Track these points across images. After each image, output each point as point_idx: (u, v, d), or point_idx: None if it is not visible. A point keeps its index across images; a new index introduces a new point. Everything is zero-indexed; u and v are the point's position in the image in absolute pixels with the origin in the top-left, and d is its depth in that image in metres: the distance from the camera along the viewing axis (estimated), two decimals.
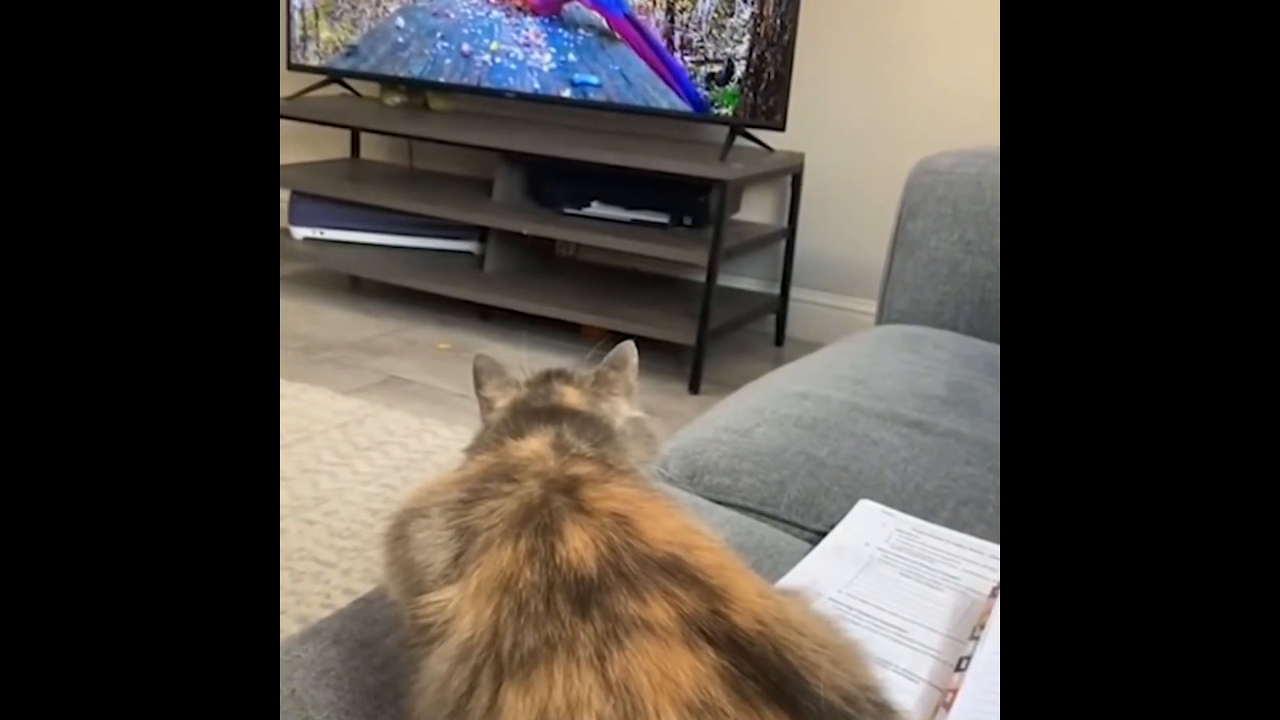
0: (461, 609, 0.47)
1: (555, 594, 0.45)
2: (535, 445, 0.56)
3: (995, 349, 1.25)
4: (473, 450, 0.60)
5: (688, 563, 0.46)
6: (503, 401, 0.65)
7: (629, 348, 0.69)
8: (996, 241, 1.34)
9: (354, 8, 2.77)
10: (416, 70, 2.72)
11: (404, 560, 0.53)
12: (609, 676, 0.42)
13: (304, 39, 2.85)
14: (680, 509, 0.52)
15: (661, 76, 2.43)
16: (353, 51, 2.80)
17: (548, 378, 0.66)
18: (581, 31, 2.52)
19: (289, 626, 1.34)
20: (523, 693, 0.43)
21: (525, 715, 0.42)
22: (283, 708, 0.58)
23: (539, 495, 0.50)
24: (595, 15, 2.48)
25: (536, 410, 0.62)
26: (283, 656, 0.62)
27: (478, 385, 0.67)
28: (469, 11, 2.63)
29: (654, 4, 2.41)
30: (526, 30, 2.58)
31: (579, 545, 0.46)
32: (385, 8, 2.73)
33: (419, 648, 0.49)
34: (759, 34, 2.32)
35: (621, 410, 0.66)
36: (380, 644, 0.63)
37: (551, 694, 0.42)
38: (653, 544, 0.47)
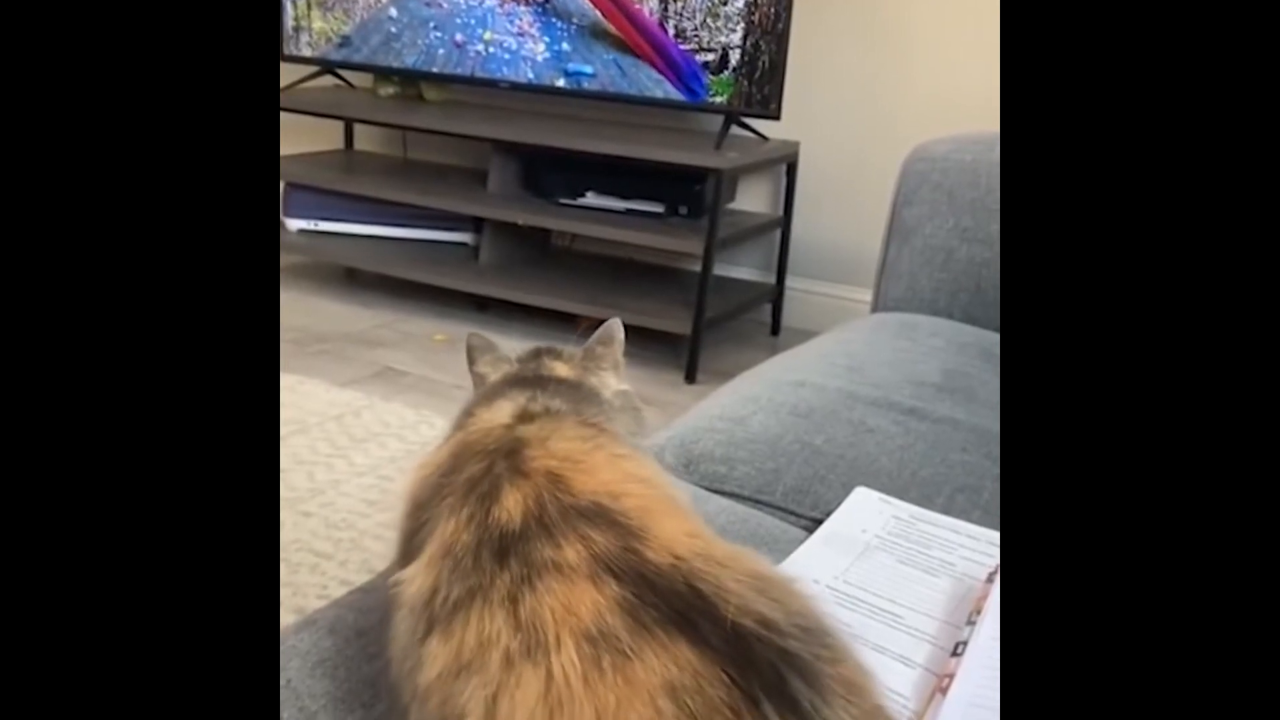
0: (415, 579, 0.50)
1: (482, 550, 0.48)
2: (495, 415, 0.58)
3: (991, 336, 1.25)
4: (455, 424, 0.62)
5: (610, 508, 0.48)
6: (495, 377, 0.66)
7: (615, 324, 0.71)
8: (992, 228, 1.34)
9: None
10: (410, 61, 2.71)
11: (406, 546, 0.56)
12: (520, 615, 0.45)
13: (296, 30, 2.83)
14: (632, 458, 0.55)
15: (647, 58, 2.42)
16: (345, 42, 2.79)
17: (538, 354, 0.68)
18: (575, 21, 2.51)
19: (285, 617, 1.34)
20: (444, 639, 0.46)
21: (444, 659, 0.46)
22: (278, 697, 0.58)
23: (481, 469, 0.52)
24: (587, 4, 2.47)
25: (525, 379, 0.64)
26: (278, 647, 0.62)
27: (471, 362, 0.69)
28: (462, 1, 2.62)
29: None
30: (520, 20, 2.57)
31: (510, 505, 0.49)
32: None
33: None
34: (753, 22, 2.31)
35: (610, 384, 0.68)
36: (375, 633, 0.63)
37: (465, 636, 0.45)
38: (580, 495, 0.49)
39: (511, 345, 0.71)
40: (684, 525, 0.49)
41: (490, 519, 0.49)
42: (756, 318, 2.70)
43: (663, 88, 2.43)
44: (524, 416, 0.57)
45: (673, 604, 0.44)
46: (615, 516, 0.48)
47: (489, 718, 0.43)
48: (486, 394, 0.63)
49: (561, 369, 0.66)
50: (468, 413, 0.61)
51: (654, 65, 2.43)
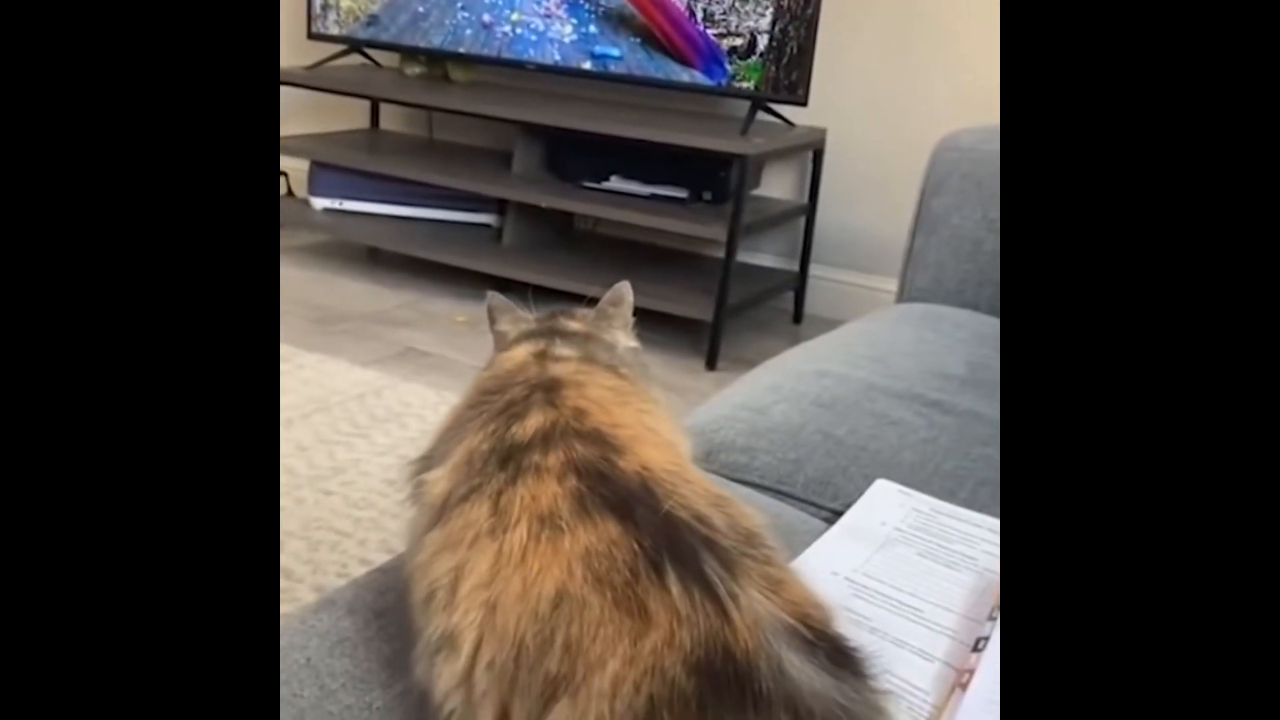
0: (439, 481, 0.56)
1: (492, 456, 0.54)
2: (520, 355, 0.64)
3: None
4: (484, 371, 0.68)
5: (605, 433, 0.54)
6: (514, 335, 0.70)
7: (624, 286, 0.75)
8: None
9: None
10: (437, 40, 2.71)
11: (428, 454, 0.62)
12: (499, 505, 0.51)
13: (325, 8, 2.83)
14: (653, 414, 0.60)
15: (675, 45, 2.41)
16: (373, 21, 2.78)
17: (553, 315, 0.73)
18: (602, 3, 2.50)
19: (305, 595, 1.35)
20: (441, 527, 0.53)
21: (436, 544, 0.52)
22: (298, 676, 0.58)
23: (521, 394, 0.58)
24: None
25: (542, 331, 0.69)
26: (298, 625, 0.62)
27: (492, 322, 0.73)
28: None
29: None
30: (547, 1, 2.56)
31: (530, 425, 0.55)
32: None
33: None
34: (782, 7, 2.29)
35: (621, 341, 0.72)
36: (395, 613, 0.63)
37: (455, 523, 0.52)
38: (586, 424, 0.54)
39: None
40: (669, 456, 0.54)
41: (509, 433, 0.55)
42: (779, 305, 2.68)
43: (689, 72, 2.42)
44: (546, 356, 0.63)
45: (618, 494, 0.49)
46: (607, 438, 0.53)
47: (452, 586, 0.50)
48: (508, 345, 0.68)
49: (576, 325, 0.71)
50: (493, 362, 0.66)
51: (677, 50, 2.41)
